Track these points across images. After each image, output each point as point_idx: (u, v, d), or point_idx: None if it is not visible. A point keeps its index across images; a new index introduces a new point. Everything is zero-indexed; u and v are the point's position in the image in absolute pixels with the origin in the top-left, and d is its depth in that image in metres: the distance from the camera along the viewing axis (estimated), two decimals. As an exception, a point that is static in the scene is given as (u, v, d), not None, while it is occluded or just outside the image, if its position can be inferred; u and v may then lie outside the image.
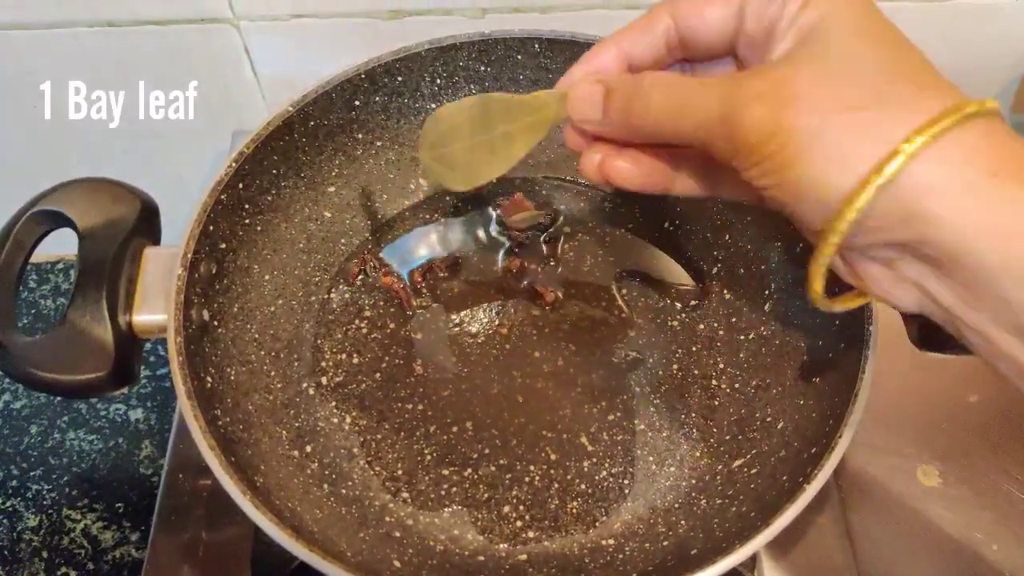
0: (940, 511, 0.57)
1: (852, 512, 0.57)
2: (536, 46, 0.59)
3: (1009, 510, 0.57)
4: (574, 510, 0.53)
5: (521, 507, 0.53)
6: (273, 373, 0.55)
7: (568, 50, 0.59)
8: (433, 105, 0.61)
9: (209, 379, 0.49)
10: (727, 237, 0.60)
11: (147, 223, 0.50)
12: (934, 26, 0.69)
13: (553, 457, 0.54)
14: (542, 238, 0.63)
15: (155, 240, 0.51)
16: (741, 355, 0.58)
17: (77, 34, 0.64)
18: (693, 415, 0.56)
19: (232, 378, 0.51)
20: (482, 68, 0.60)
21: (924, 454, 0.59)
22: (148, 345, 0.51)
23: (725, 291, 0.60)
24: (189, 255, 0.49)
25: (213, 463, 0.43)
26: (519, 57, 0.60)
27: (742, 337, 0.58)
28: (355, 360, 0.58)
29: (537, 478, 0.54)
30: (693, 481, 0.53)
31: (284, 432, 0.53)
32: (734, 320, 0.59)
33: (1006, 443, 0.60)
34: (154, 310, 0.48)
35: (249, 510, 0.42)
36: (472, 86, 0.61)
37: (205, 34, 0.65)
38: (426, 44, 0.58)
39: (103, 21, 0.64)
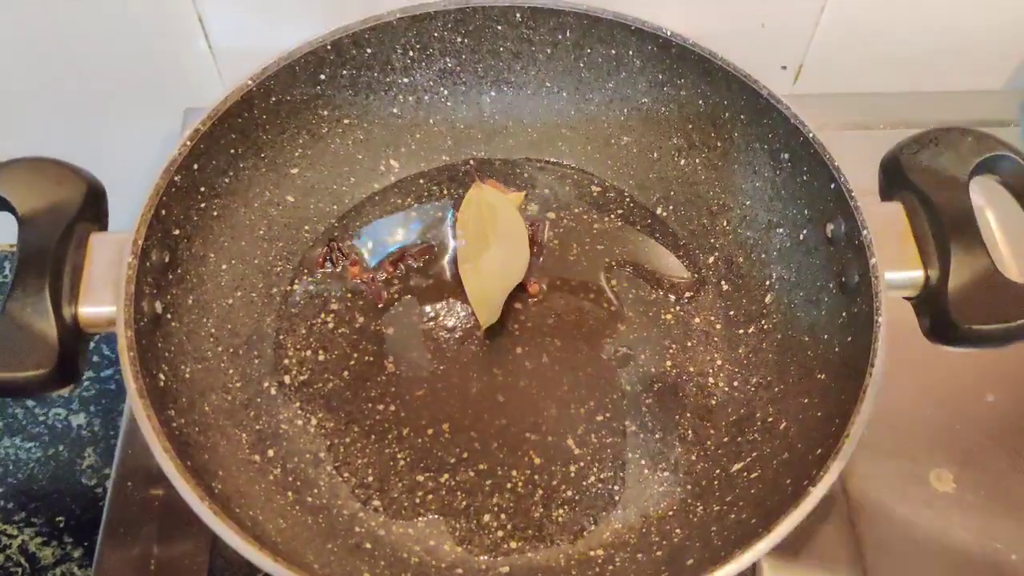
0: (955, 518, 0.58)
1: (860, 519, 0.57)
2: (518, 15, 0.59)
3: (1028, 515, 0.58)
4: (560, 518, 0.53)
5: (502, 515, 0.53)
6: (231, 371, 0.55)
7: (552, 19, 0.59)
8: (405, 80, 0.62)
9: (162, 376, 0.49)
10: (725, 223, 0.61)
11: (93, 207, 0.50)
12: (943, 9, 0.71)
13: (537, 461, 0.55)
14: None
15: (102, 225, 0.51)
16: (740, 351, 0.58)
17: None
18: (688, 415, 0.57)
19: (187, 376, 0.52)
20: (459, 39, 0.61)
21: (937, 457, 0.60)
22: (91, 344, 0.51)
23: (722, 282, 0.61)
24: (140, 242, 0.49)
25: (168, 467, 0.43)
26: (499, 27, 0.60)
27: (741, 331, 0.59)
28: (321, 357, 0.58)
29: (520, 484, 0.54)
30: (688, 486, 0.54)
31: (244, 435, 0.53)
32: (732, 313, 0.60)
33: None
34: (101, 301, 0.48)
35: (208, 518, 0.43)
36: (448, 59, 0.62)
37: (155, 1, 0.65)
38: (398, 13, 0.58)
39: (41, -13, 0.64)
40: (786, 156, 0.56)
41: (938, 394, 0.62)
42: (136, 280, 0.48)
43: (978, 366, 0.63)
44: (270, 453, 0.54)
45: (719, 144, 0.61)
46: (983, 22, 0.74)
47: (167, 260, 0.52)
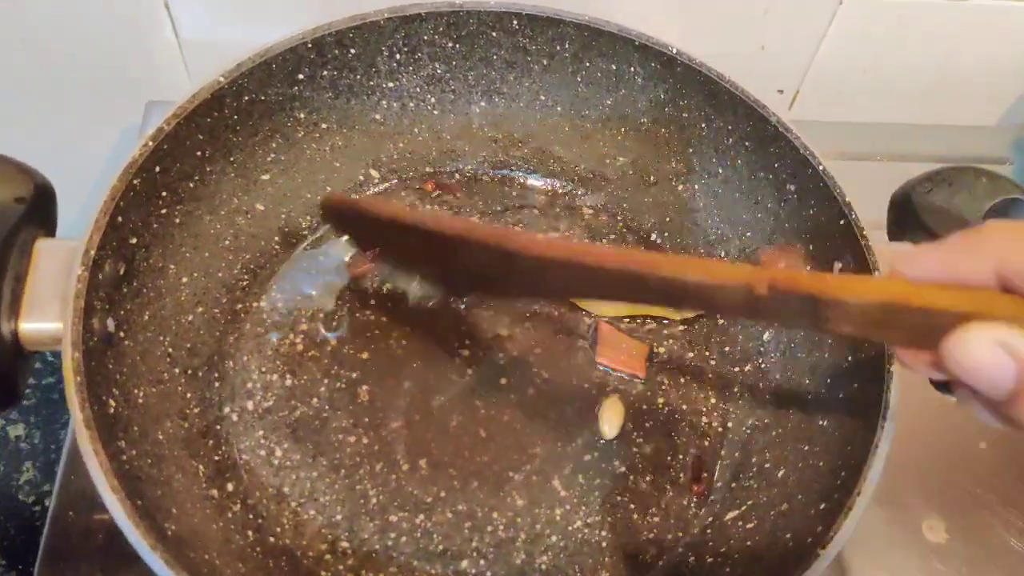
0: (947, 571, 0.57)
1: (852, 572, 0.56)
2: (515, 22, 0.58)
3: (1020, 570, 0.57)
4: (543, 566, 0.51)
5: (482, 561, 0.51)
6: (189, 395, 0.52)
7: (551, 29, 0.58)
8: (390, 84, 0.60)
9: (112, 403, 0.45)
10: (723, 254, 0.60)
11: (40, 210, 0.47)
12: (954, 26, 0.71)
13: (520, 503, 0.53)
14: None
15: (49, 231, 0.48)
16: (735, 389, 0.57)
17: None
18: (680, 456, 0.55)
19: (140, 401, 0.48)
20: (450, 44, 0.59)
21: (930, 507, 0.59)
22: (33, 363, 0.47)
23: (718, 316, 0.59)
24: (92, 251, 0.45)
25: (115, 509, 0.40)
26: (494, 34, 0.59)
27: (736, 369, 0.58)
28: (288, 382, 0.55)
29: (501, 527, 0.52)
30: (680, 534, 0.53)
31: (201, 467, 0.50)
32: (727, 350, 0.59)
33: (1017, 495, 0.59)
34: (46, 316, 0.44)
35: (160, 569, 0.39)
36: (437, 64, 0.60)
37: (118, -15, 0.63)
38: (386, 12, 0.57)
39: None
40: (792, 188, 0.55)
41: (931, 441, 0.62)
42: (86, 294, 0.44)
43: (970, 412, 0.62)
44: (229, 487, 0.51)
45: (720, 171, 0.59)
46: (978, 60, 0.75)
47: (122, 272, 0.48)
